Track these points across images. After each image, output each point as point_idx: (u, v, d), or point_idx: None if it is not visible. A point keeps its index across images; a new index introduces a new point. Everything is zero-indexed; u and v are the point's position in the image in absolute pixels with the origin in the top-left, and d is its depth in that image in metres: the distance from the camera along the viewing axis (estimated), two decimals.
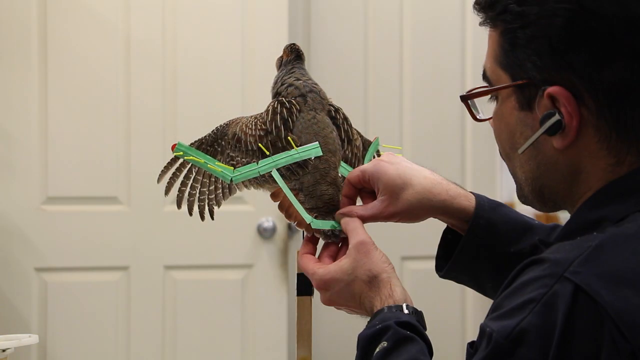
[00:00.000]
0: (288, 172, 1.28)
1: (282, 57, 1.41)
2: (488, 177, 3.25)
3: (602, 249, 0.91)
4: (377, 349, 1.06)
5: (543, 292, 0.89)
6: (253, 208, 2.91)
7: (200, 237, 2.87)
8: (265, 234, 2.90)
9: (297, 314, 1.32)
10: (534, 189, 1.05)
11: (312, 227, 1.25)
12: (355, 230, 1.20)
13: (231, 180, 1.30)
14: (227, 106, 2.87)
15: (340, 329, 2.86)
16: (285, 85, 1.35)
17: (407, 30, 3.21)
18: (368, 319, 1.15)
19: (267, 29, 2.90)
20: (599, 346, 0.86)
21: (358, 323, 1.20)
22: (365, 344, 1.09)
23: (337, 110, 1.35)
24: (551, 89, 0.97)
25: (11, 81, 2.78)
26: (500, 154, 1.10)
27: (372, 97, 3.18)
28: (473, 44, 3.24)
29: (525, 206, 1.14)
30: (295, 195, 1.27)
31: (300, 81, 1.35)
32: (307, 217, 1.25)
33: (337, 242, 1.26)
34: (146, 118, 2.85)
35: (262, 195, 1.36)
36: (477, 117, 1.12)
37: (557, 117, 0.97)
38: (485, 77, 1.07)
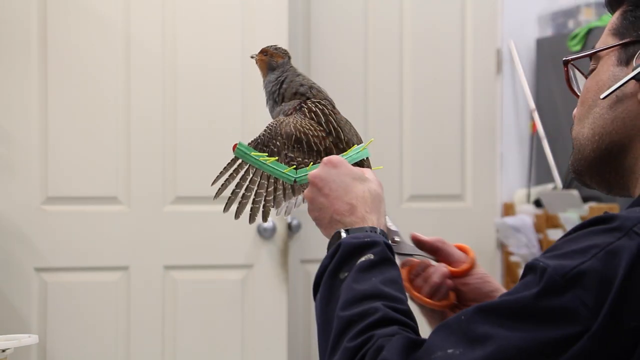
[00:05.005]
0: None
1: (273, 59, 1.40)
2: (488, 177, 3.25)
3: None
4: (363, 258, 1.05)
5: (609, 242, 0.89)
6: None
7: (200, 237, 2.87)
8: (265, 234, 2.90)
9: None
10: (600, 146, 1.05)
11: None
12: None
13: (294, 181, 1.29)
14: (227, 106, 2.88)
15: None
16: (306, 87, 1.36)
17: (407, 34, 3.20)
18: (332, 218, 1.13)
19: (267, 29, 2.90)
20: None
21: None
22: (350, 250, 1.07)
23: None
24: None
25: (11, 81, 2.78)
26: (573, 119, 1.10)
27: (372, 99, 3.17)
28: (473, 48, 3.24)
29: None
30: None
31: (315, 84, 1.37)
32: None
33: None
34: (146, 118, 2.85)
35: None
36: (572, 86, 1.13)
37: None
38: (593, 56, 1.09)
